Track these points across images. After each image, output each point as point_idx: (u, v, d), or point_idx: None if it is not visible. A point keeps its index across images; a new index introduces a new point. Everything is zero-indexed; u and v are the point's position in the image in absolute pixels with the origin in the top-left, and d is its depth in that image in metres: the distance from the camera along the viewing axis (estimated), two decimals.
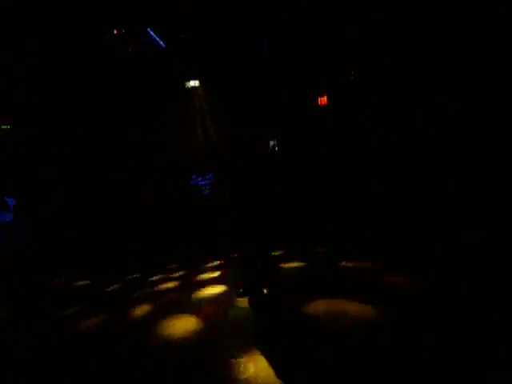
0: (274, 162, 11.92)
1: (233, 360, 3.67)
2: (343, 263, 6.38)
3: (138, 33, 10.83)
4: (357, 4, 10.92)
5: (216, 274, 7.48)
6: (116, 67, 10.80)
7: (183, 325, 4.76)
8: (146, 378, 3.68)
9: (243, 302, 5.21)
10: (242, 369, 3.52)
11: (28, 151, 11.19)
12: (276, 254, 8.15)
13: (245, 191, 6.07)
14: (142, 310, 5.78)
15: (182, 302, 5.74)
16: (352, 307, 4.33)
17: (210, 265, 8.62)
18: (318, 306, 4.50)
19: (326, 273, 5.96)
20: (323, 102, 11.90)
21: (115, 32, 10.75)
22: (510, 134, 8.46)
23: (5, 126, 11.03)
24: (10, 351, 4.95)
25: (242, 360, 3.65)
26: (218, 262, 8.84)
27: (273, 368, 3.45)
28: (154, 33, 10.93)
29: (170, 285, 7.19)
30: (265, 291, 5.34)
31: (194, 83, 11.41)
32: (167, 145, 11.70)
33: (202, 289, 6.36)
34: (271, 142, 12.18)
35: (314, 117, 11.87)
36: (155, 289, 7.06)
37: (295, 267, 6.72)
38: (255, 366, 3.53)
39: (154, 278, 8.11)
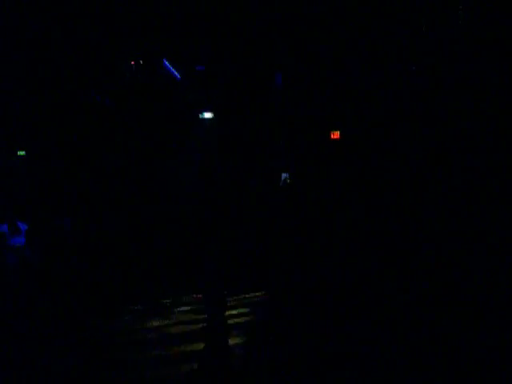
0: (284, 195, 11.92)
1: None
2: None
3: (154, 64, 11.04)
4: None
5: None
6: (132, 95, 11.02)
7: None
8: None
9: None
10: None
11: (42, 177, 11.37)
12: None
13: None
14: None
15: None
16: None
17: None
18: None
19: None
20: (336, 137, 11.92)
21: (132, 63, 10.99)
22: None
23: (21, 152, 11.26)
24: None
25: None
26: None
27: None
28: (170, 64, 11.14)
29: None
30: None
31: (208, 115, 11.53)
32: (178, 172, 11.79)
33: None
34: (283, 175, 12.19)
35: (326, 150, 11.88)
36: None
37: None
38: None
39: None
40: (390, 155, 11.08)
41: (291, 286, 8.46)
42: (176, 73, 11.14)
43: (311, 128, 11.84)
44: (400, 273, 7.77)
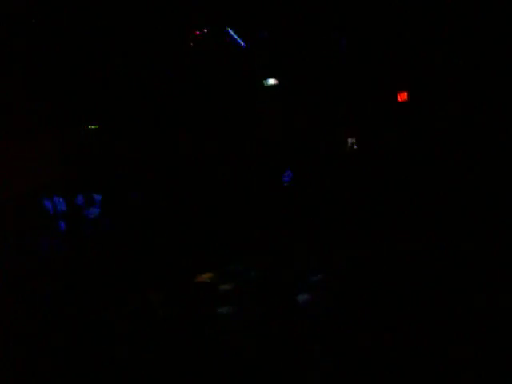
0: (352, 160, 11.76)
1: None
2: None
3: (219, 33, 11.05)
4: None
5: None
6: (197, 66, 11.09)
7: None
8: None
9: None
10: None
11: (112, 150, 11.65)
12: None
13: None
14: None
15: None
16: None
17: None
18: None
19: None
20: (403, 98, 11.63)
21: (197, 32, 11.02)
22: None
23: (93, 126, 11.57)
24: None
25: None
26: None
27: None
28: (234, 32, 11.12)
29: None
30: None
31: (272, 81, 11.50)
32: (244, 143, 11.82)
33: None
34: (349, 141, 12.03)
35: (394, 114, 11.61)
36: None
37: None
38: None
39: None
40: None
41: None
42: (240, 41, 11.12)
43: (376, 91, 11.60)
44: None
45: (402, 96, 11.61)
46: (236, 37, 11.05)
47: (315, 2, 10.90)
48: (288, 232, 10.07)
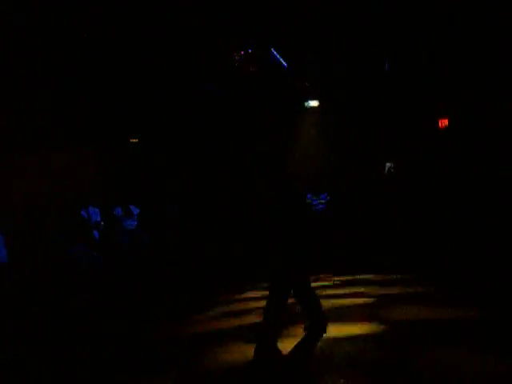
0: (389, 184, 11.69)
1: None
2: None
3: (263, 53, 11.17)
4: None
5: None
6: (240, 84, 11.22)
7: None
8: None
9: None
10: None
11: (151, 163, 11.79)
12: None
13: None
14: None
15: None
16: None
17: None
18: None
19: None
20: (444, 125, 11.55)
21: (242, 52, 11.16)
22: None
23: (134, 140, 11.73)
24: None
25: None
26: None
27: None
28: (278, 53, 11.25)
29: None
30: None
31: (313, 103, 11.57)
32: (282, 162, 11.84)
33: None
34: (388, 165, 11.98)
35: (433, 139, 11.55)
36: None
37: None
38: None
39: None
40: None
41: None
42: (283, 62, 11.24)
43: (418, 115, 11.54)
44: None
45: (443, 123, 11.54)
46: (279, 58, 11.17)
47: (360, 25, 10.97)
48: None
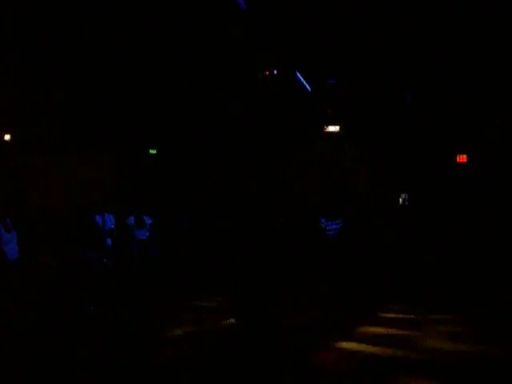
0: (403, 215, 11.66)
1: None
2: None
3: (287, 75, 11.32)
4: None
5: None
6: (263, 104, 11.35)
7: None
8: None
9: None
10: None
11: (167, 175, 11.89)
12: None
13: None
14: None
15: None
16: None
17: None
18: None
19: None
20: (462, 160, 11.58)
21: (267, 73, 11.31)
22: None
23: (152, 151, 11.86)
24: None
25: None
26: None
27: None
28: (302, 76, 11.39)
29: None
30: None
31: (333, 128, 11.65)
32: (297, 184, 11.91)
33: None
34: (402, 196, 11.97)
35: (450, 174, 11.56)
36: None
37: None
38: None
39: None
40: None
41: None
42: (307, 85, 11.38)
43: (436, 148, 11.59)
44: None
45: (461, 158, 11.57)
46: (303, 80, 11.31)
47: (385, 54, 11.08)
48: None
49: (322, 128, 11.69)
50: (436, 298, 9.02)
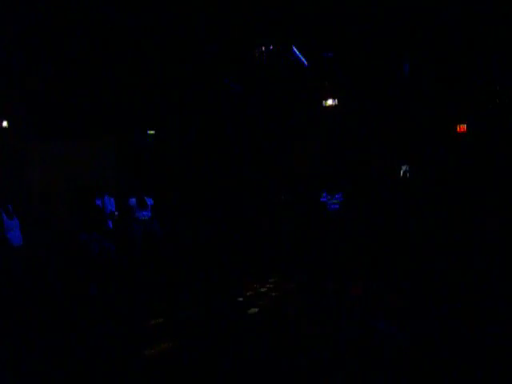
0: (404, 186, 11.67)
1: None
2: None
3: (284, 50, 11.18)
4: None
5: None
6: (261, 80, 11.26)
7: None
8: None
9: None
10: None
11: (167, 156, 11.87)
12: None
13: None
14: None
15: None
16: None
17: None
18: None
19: None
20: (462, 130, 11.51)
21: (263, 48, 11.17)
22: None
23: (151, 132, 11.81)
24: None
25: None
26: None
27: None
28: (299, 51, 11.26)
29: None
30: None
31: (332, 102, 11.58)
32: (299, 159, 11.90)
33: None
34: (403, 168, 11.95)
35: (451, 144, 11.51)
36: None
37: None
38: None
39: None
40: None
41: None
42: (304, 60, 11.25)
43: (435, 121, 11.51)
44: None
45: (461, 128, 11.50)
46: (300, 55, 11.17)
47: (381, 27, 10.92)
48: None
49: (321, 102, 11.63)
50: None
